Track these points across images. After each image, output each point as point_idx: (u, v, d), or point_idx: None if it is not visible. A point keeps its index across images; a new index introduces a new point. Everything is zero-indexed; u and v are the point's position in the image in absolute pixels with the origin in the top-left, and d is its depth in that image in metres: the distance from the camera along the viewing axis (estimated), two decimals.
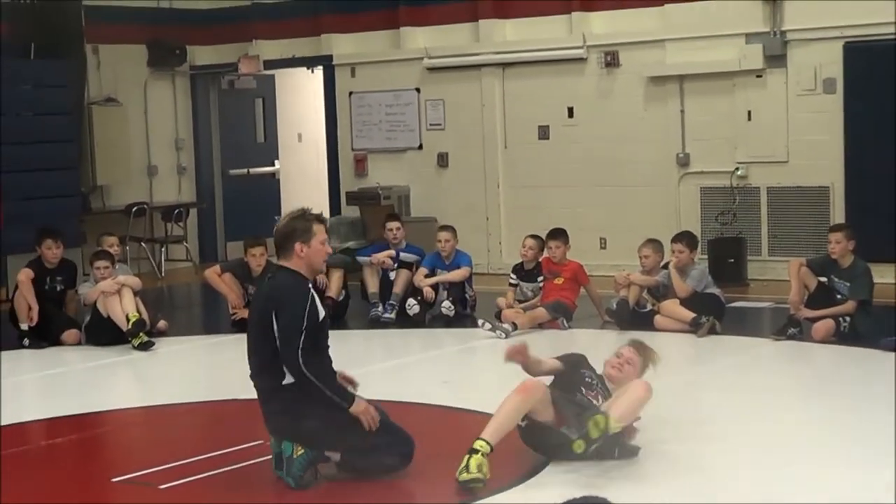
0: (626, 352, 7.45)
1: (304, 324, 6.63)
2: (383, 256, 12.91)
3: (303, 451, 6.74)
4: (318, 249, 6.82)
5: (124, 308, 11.52)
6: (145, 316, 11.65)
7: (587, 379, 7.30)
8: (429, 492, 6.80)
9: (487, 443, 6.65)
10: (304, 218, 6.87)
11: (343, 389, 6.80)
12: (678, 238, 11.77)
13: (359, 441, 6.76)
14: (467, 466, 6.56)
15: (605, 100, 15.34)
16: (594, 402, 7.11)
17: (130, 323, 11.40)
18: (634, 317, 11.59)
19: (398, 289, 12.73)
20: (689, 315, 11.20)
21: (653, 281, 11.75)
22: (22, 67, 15.62)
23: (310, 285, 6.81)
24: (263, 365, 6.82)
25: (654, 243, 11.95)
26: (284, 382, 6.71)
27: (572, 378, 7.27)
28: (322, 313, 6.76)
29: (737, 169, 14.53)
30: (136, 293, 11.75)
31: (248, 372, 6.97)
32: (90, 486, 7.34)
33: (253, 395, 7.16)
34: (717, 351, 10.67)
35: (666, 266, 11.76)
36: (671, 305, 11.41)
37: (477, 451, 6.57)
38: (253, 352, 6.92)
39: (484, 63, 16.05)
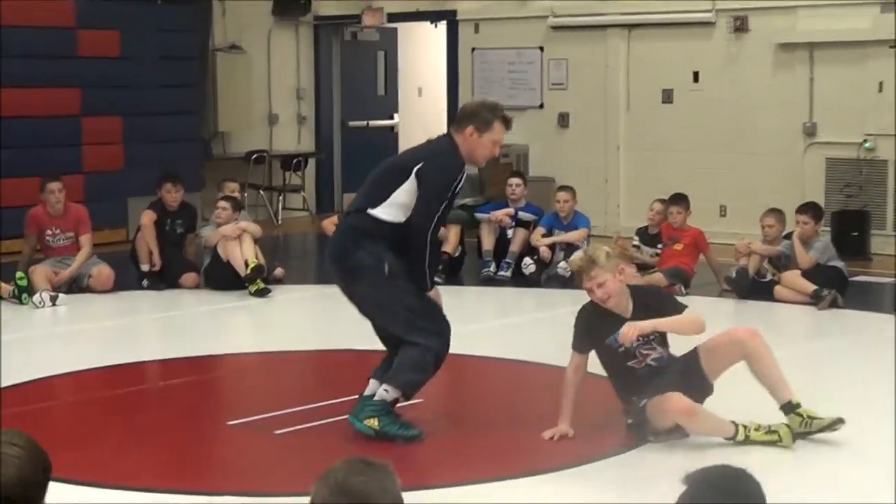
0: (593, 285, 6.67)
1: (449, 194, 6.61)
2: (502, 214, 12.85)
3: (375, 420, 6.66)
4: (485, 144, 6.75)
5: (244, 253, 11.59)
6: (263, 263, 11.73)
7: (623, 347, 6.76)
8: (542, 450, 6.74)
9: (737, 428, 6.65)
10: (493, 111, 6.79)
11: (433, 273, 6.72)
12: (804, 209, 11.54)
13: (398, 304, 6.64)
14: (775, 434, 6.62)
15: (732, 65, 15.06)
16: (653, 353, 6.79)
17: (249, 268, 11.48)
18: (754, 286, 11.41)
19: (515, 247, 12.67)
20: (811, 287, 10.99)
21: (774, 251, 11.55)
22: (148, 12, 15.74)
23: (464, 166, 6.72)
24: (371, 191, 6.73)
25: (777, 213, 11.74)
26: (371, 211, 6.63)
27: (613, 355, 6.82)
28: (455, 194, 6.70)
29: (865, 141, 14.20)
30: (255, 240, 11.84)
31: (360, 316, 6.93)
32: (206, 427, 7.44)
33: (366, 345, 7.13)
34: (838, 325, 10.46)
35: (788, 236, 11.56)
36: (792, 276, 11.22)
37: (745, 435, 6.62)
38: (371, 179, 6.82)
39: (610, 24, 15.84)
